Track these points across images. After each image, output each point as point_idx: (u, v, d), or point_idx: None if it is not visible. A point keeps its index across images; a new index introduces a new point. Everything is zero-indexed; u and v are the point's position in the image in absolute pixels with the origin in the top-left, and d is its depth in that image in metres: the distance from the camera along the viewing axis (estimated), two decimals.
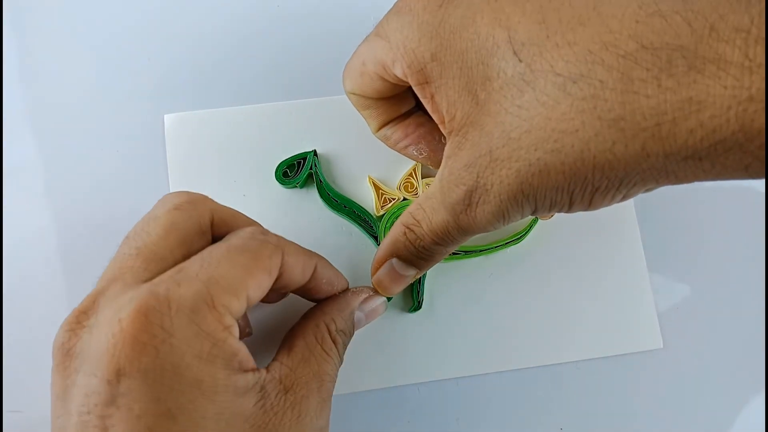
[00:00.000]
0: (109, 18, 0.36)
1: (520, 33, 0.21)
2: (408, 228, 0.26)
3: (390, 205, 0.33)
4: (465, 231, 0.25)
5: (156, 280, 0.21)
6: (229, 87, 0.35)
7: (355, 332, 0.32)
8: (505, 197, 0.22)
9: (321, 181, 0.33)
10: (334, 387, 0.26)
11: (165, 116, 0.34)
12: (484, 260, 0.34)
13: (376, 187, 0.34)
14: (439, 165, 0.31)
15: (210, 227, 0.25)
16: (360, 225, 0.33)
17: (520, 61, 0.21)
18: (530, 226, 0.34)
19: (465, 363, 0.33)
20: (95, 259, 0.33)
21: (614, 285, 0.34)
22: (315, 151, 0.34)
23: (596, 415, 0.33)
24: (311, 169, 0.33)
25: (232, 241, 0.23)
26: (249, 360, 0.22)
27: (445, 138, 0.31)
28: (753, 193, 0.36)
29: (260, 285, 0.23)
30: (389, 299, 0.32)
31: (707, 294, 0.34)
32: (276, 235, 0.25)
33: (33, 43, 0.36)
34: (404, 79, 0.25)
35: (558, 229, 0.34)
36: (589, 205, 0.22)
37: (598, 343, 0.33)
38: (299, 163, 0.33)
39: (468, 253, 0.33)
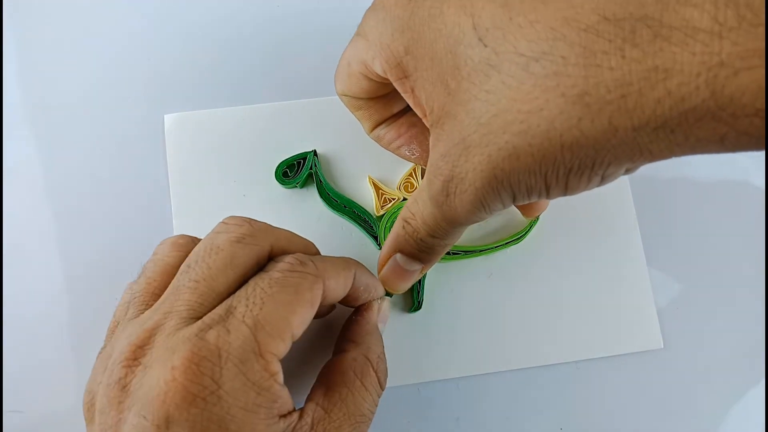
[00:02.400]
0: (109, 18, 0.36)
1: (483, 18, 0.21)
2: (406, 221, 0.26)
3: (390, 205, 0.33)
4: (451, 222, 0.24)
5: (207, 321, 0.22)
6: (229, 87, 0.35)
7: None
8: (479, 185, 0.22)
9: (321, 181, 0.33)
10: (369, 426, 0.26)
11: (165, 116, 0.34)
12: (484, 260, 0.34)
13: (376, 187, 0.34)
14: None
15: (267, 258, 0.25)
16: (360, 225, 0.33)
17: (486, 46, 0.21)
18: (530, 226, 0.34)
19: (465, 363, 0.33)
20: (95, 259, 0.33)
21: (614, 285, 0.34)
22: (315, 151, 0.34)
23: (596, 415, 0.33)
24: (311, 169, 0.33)
25: (273, 274, 0.23)
26: (288, 403, 0.23)
27: None
28: (753, 192, 0.36)
29: (304, 320, 0.23)
30: (390, 295, 0.32)
31: (708, 294, 0.34)
32: (314, 258, 0.25)
33: (33, 43, 0.36)
34: (384, 75, 0.25)
35: (558, 229, 0.34)
36: (566, 188, 0.21)
37: (598, 343, 0.33)
38: (299, 163, 0.33)
39: (468, 253, 0.33)
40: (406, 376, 0.33)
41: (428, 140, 0.30)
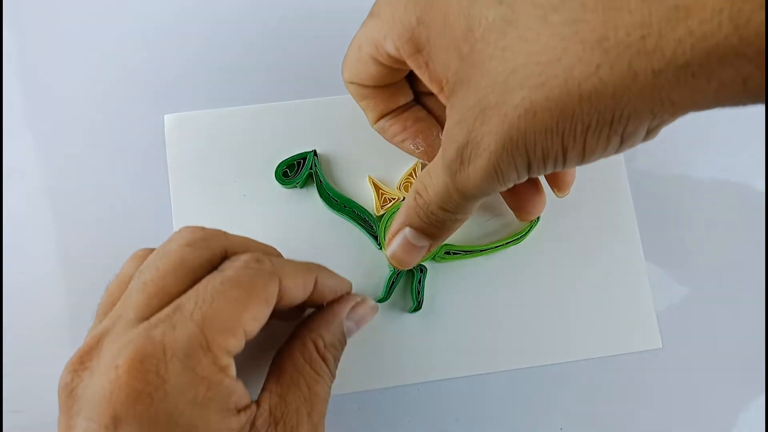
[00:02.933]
0: (109, 18, 0.36)
1: None
2: (417, 194, 0.26)
3: (390, 204, 0.33)
4: (463, 193, 0.24)
5: (153, 321, 0.22)
6: (229, 87, 0.35)
7: (354, 335, 0.32)
8: (494, 148, 0.21)
9: (321, 181, 0.33)
10: (326, 406, 0.26)
11: (165, 116, 0.34)
12: (484, 260, 0.34)
13: (376, 187, 0.34)
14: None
15: (221, 261, 0.24)
16: (360, 225, 0.33)
17: (501, 3, 0.20)
18: (531, 227, 0.34)
19: (465, 363, 0.33)
20: (95, 259, 0.33)
21: (613, 285, 0.34)
22: (315, 151, 0.34)
23: (596, 415, 0.33)
24: (311, 169, 0.33)
25: (226, 272, 0.23)
26: (244, 397, 0.23)
27: (441, 133, 0.30)
28: (753, 192, 0.36)
29: (257, 317, 0.23)
30: (383, 299, 0.32)
31: (706, 294, 0.34)
32: (272, 259, 0.24)
33: (33, 43, 0.36)
34: (397, 55, 0.25)
35: (557, 229, 0.34)
36: (584, 151, 0.20)
37: (597, 343, 0.33)
38: (299, 163, 0.33)
39: (468, 253, 0.33)
40: (407, 376, 0.33)
41: (434, 136, 0.30)
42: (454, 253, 0.33)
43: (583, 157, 0.21)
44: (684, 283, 0.34)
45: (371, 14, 0.26)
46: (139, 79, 0.35)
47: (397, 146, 0.31)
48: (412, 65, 0.25)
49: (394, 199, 0.33)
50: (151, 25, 0.36)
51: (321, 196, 0.33)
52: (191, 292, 0.22)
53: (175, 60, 0.35)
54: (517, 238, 0.33)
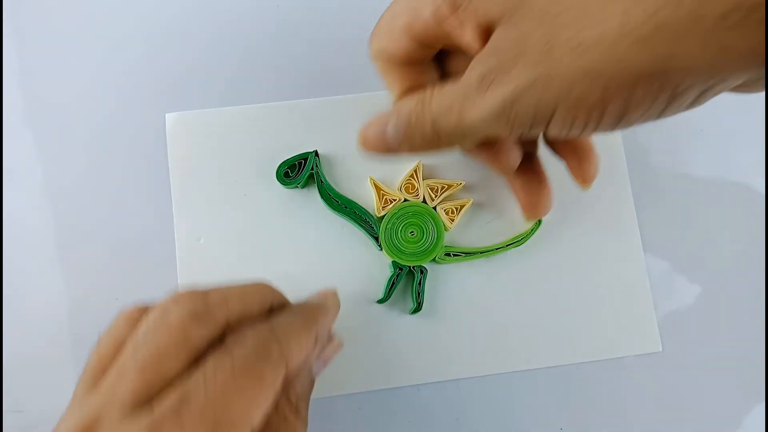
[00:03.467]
0: (110, 17, 0.36)
1: None
2: (420, 99, 0.25)
3: (391, 205, 0.33)
4: (462, 117, 0.23)
5: (157, 415, 0.19)
6: (230, 86, 0.35)
7: (356, 334, 0.32)
8: (523, 81, 0.20)
9: (322, 182, 0.33)
10: None
11: (166, 115, 0.34)
12: (484, 262, 0.34)
13: (377, 188, 0.33)
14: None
15: (222, 331, 0.22)
16: (361, 226, 0.33)
17: None
18: (532, 230, 0.33)
19: (465, 365, 0.33)
20: (95, 259, 0.33)
21: (614, 288, 0.34)
22: (316, 151, 0.34)
23: (596, 417, 0.33)
24: (312, 169, 0.33)
25: (235, 356, 0.21)
26: None
27: None
28: (753, 195, 0.35)
29: (264, 411, 0.21)
30: (384, 300, 0.32)
31: (706, 297, 0.34)
32: (279, 333, 0.23)
33: (33, 42, 0.35)
34: (435, 18, 0.24)
35: (558, 232, 0.34)
36: (626, 106, 0.19)
37: (597, 346, 0.33)
38: (300, 163, 0.33)
39: (469, 254, 0.33)
40: (407, 377, 0.33)
41: None
42: (454, 255, 0.33)
43: (622, 116, 0.20)
44: (685, 287, 0.34)
45: None
46: (140, 78, 0.35)
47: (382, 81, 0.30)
48: (451, 29, 0.24)
49: (395, 200, 0.33)
50: (152, 25, 0.36)
51: (322, 196, 0.33)
52: (198, 379, 0.20)
53: (177, 59, 0.35)
54: (519, 241, 0.33)
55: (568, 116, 0.20)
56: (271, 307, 0.25)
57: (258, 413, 0.21)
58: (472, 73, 0.22)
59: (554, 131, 0.22)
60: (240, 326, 0.23)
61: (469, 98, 0.22)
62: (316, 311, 0.26)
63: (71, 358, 0.32)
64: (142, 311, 0.23)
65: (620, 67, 0.18)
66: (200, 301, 0.22)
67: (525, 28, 0.20)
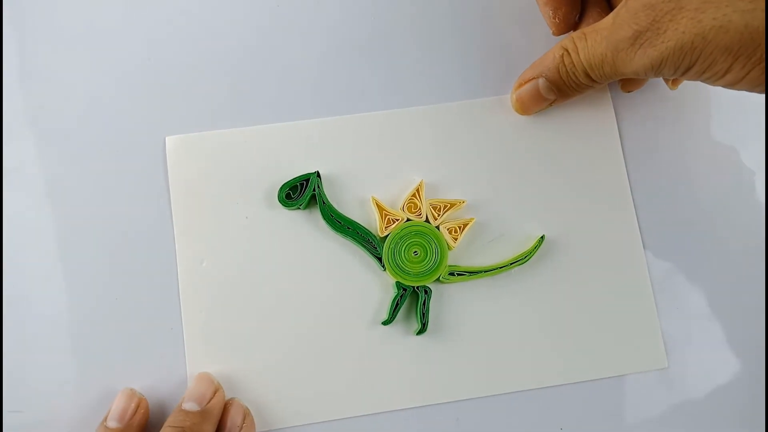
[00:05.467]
0: (111, 39, 0.36)
1: None
2: (566, 51, 0.28)
3: (393, 225, 0.33)
4: (616, 69, 0.26)
5: None
6: (231, 108, 0.35)
7: (361, 356, 0.32)
8: (672, 45, 0.23)
9: (324, 203, 0.33)
10: None
11: (166, 138, 0.34)
12: (489, 281, 0.33)
13: (380, 208, 0.33)
14: (562, 32, 0.32)
15: None
16: (364, 246, 0.33)
17: None
18: (535, 248, 0.33)
19: (471, 385, 0.33)
20: (96, 272, 0.33)
21: (618, 305, 0.34)
22: (318, 172, 0.33)
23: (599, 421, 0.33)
24: (314, 190, 0.33)
25: None
26: None
27: (580, 15, 0.32)
28: (759, 211, 0.35)
29: None
30: (388, 321, 0.32)
31: (712, 313, 0.34)
32: None
33: (35, 66, 0.35)
34: None
35: (562, 250, 0.34)
36: (744, 78, 0.23)
37: (603, 364, 0.33)
38: (302, 184, 0.33)
39: (473, 274, 0.33)
40: (412, 399, 0.32)
41: (575, 11, 0.31)
42: (458, 274, 0.33)
43: (737, 84, 0.24)
44: (690, 303, 0.34)
45: None
46: (140, 101, 0.35)
47: (538, 4, 0.32)
48: None
49: (397, 219, 0.33)
50: (153, 47, 0.36)
51: (324, 217, 0.33)
52: None
53: (178, 82, 0.35)
54: (522, 259, 0.33)
55: (697, 75, 0.24)
56: None
57: None
58: (625, 28, 0.25)
59: (684, 78, 0.26)
60: None
61: (622, 52, 0.25)
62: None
63: (71, 358, 0.32)
64: None
65: (753, 50, 0.22)
66: None
67: None
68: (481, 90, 0.35)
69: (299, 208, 0.33)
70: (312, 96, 0.35)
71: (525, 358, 0.33)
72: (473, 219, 0.34)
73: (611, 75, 0.27)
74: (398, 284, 0.33)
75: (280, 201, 0.33)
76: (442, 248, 0.33)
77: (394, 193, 0.34)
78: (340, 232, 0.33)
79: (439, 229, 0.33)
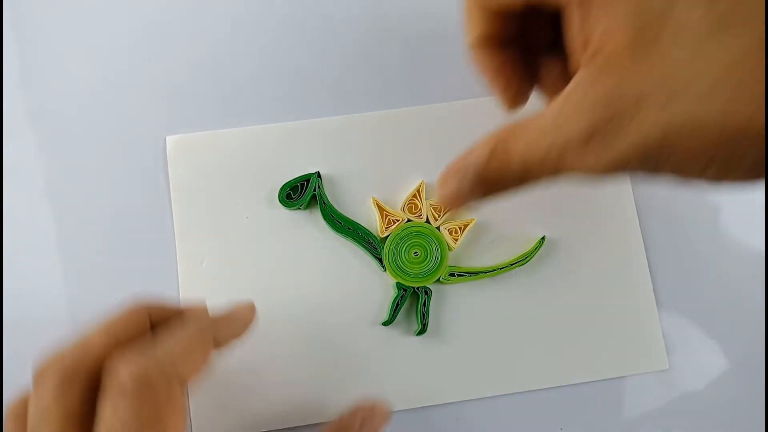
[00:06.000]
0: (110, 38, 0.36)
1: None
2: (498, 147, 0.23)
3: (394, 226, 0.33)
4: (561, 170, 0.22)
5: None
6: (231, 108, 0.35)
7: (361, 357, 0.32)
8: (638, 146, 0.19)
9: (324, 203, 0.33)
10: None
11: (167, 138, 0.34)
12: (489, 282, 0.33)
13: (380, 208, 0.33)
14: (515, 106, 0.29)
15: (101, 367, 0.22)
16: (364, 247, 0.33)
17: (712, 7, 0.19)
18: (536, 248, 0.33)
19: (471, 386, 0.33)
20: (96, 273, 0.33)
21: (620, 306, 0.34)
22: (318, 172, 0.33)
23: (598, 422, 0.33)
24: (315, 190, 0.33)
25: (119, 412, 0.21)
26: None
27: (532, 87, 0.29)
28: (758, 209, 0.35)
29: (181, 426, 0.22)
30: (388, 322, 0.32)
31: (713, 315, 0.34)
32: (161, 352, 0.22)
33: (35, 65, 0.35)
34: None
35: (563, 251, 0.34)
36: (718, 176, 0.20)
37: (604, 365, 0.33)
38: (303, 184, 0.33)
39: (473, 274, 0.33)
40: (412, 400, 0.32)
41: (526, 82, 0.28)
42: (459, 275, 0.33)
43: (709, 183, 0.20)
44: (691, 305, 0.34)
45: None
46: (141, 101, 0.35)
47: (485, 80, 0.28)
48: (566, 9, 0.22)
49: (398, 220, 0.33)
50: (153, 47, 0.36)
51: (324, 218, 0.33)
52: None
53: (178, 81, 0.35)
54: (523, 260, 0.33)
55: (668, 173, 0.20)
56: (152, 323, 0.24)
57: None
58: (580, 120, 0.20)
59: (650, 175, 0.21)
60: (117, 356, 0.22)
61: (570, 151, 0.21)
62: (212, 318, 0.25)
63: None
64: (24, 403, 0.23)
65: (732, 151, 0.19)
66: (57, 364, 0.22)
67: (648, 85, 0.19)
68: (482, 89, 0.35)
69: (300, 209, 0.33)
70: (312, 96, 0.35)
71: (525, 359, 0.33)
72: (474, 220, 0.33)
73: (553, 175, 0.22)
74: (398, 285, 0.33)
75: (280, 201, 0.33)
76: (442, 249, 0.33)
77: (395, 194, 0.34)
78: (341, 233, 0.33)
79: (439, 229, 0.33)
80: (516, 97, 0.29)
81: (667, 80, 0.19)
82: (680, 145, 0.19)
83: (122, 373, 0.21)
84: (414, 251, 0.33)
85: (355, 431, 0.26)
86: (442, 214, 0.32)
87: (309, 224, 0.34)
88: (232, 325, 0.26)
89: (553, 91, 0.29)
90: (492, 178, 0.24)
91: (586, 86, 0.21)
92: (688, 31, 0.19)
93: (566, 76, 0.26)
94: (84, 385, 0.21)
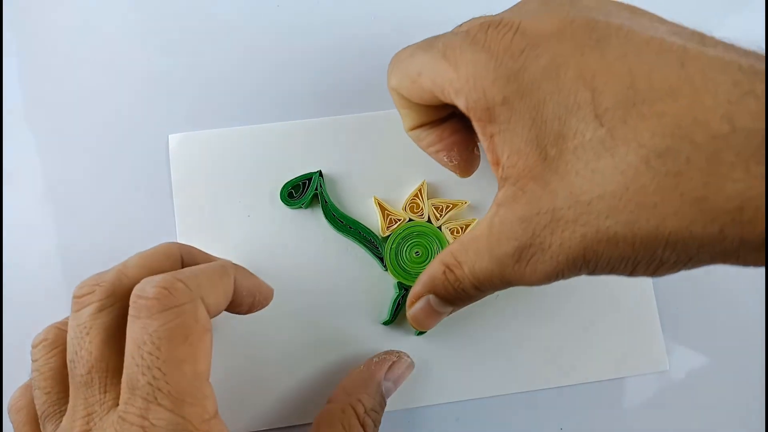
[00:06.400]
0: (113, 36, 0.36)
1: (605, 96, 0.20)
2: (448, 268, 0.25)
3: (395, 225, 0.33)
4: (509, 283, 0.24)
5: (126, 415, 0.21)
6: (234, 107, 0.35)
7: (361, 356, 0.32)
8: (563, 259, 0.21)
9: (326, 202, 0.33)
10: None
11: (169, 136, 0.34)
12: None
13: (382, 208, 0.33)
14: (467, 174, 0.31)
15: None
16: (365, 246, 0.33)
17: (602, 125, 0.20)
18: None
19: (471, 386, 0.33)
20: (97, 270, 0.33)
21: (620, 306, 0.34)
22: (320, 171, 0.34)
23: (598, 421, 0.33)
24: (316, 189, 0.33)
25: (150, 327, 0.22)
26: None
27: (477, 149, 0.30)
28: None
29: (209, 354, 0.23)
30: (389, 321, 0.32)
31: (713, 315, 0.34)
32: (186, 276, 0.23)
33: (36, 64, 0.35)
34: (463, 110, 0.24)
35: None
36: (653, 274, 0.21)
37: (603, 365, 0.33)
38: (304, 183, 0.33)
39: None
40: (412, 399, 0.32)
41: (469, 150, 0.30)
42: None
43: (651, 276, 0.22)
44: (691, 305, 0.34)
45: (445, 56, 0.24)
46: (143, 99, 0.35)
47: (430, 155, 0.30)
48: (476, 128, 0.24)
49: (399, 219, 0.33)
50: (155, 46, 0.36)
51: (326, 216, 0.33)
52: (131, 364, 0.22)
53: (180, 80, 0.35)
54: None
55: (605, 273, 0.22)
56: (183, 263, 0.26)
57: (203, 363, 0.22)
58: (506, 245, 0.22)
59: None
60: (147, 279, 0.23)
61: (508, 267, 0.23)
62: (235, 266, 0.27)
63: None
64: (52, 331, 0.25)
65: (651, 257, 0.20)
66: (96, 288, 0.24)
67: (557, 203, 0.21)
68: None
69: (301, 207, 0.33)
70: (314, 95, 0.35)
71: (525, 359, 0.33)
72: (475, 220, 0.34)
73: (504, 287, 0.24)
74: (399, 284, 0.33)
75: (282, 200, 0.33)
76: (443, 249, 0.33)
77: (397, 193, 0.34)
78: (342, 232, 0.33)
79: (441, 229, 0.33)
80: (464, 165, 0.30)
81: (575, 195, 0.20)
82: (603, 255, 0.20)
83: (148, 290, 0.22)
84: (415, 251, 0.33)
85: (382, 372, 0.29)
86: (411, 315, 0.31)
87: (311, 223, 0.34)
88: (252, 280, 0.27)
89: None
90: (451, 294, 0.26)
91: (506, 206, 0.22)
92: (584, 148, 0.20)
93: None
94: (120, 306, 0.23)
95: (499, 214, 0.23)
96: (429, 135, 0.29)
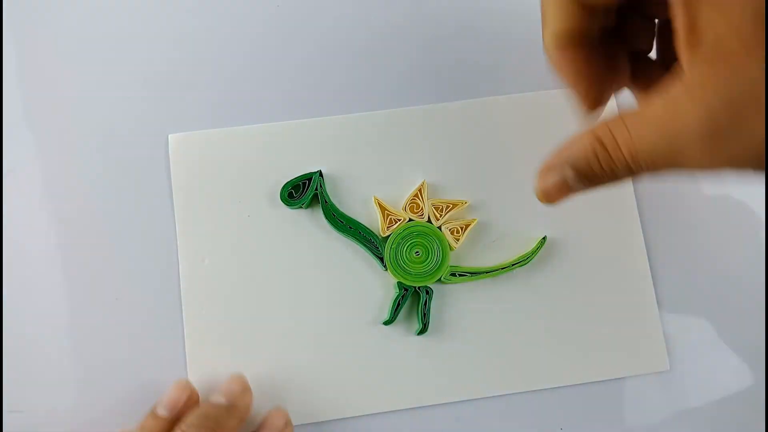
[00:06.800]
0: (114, 37, 0.36)
1: None
2: (600, 143, 0.22)
3: (395, 225, 0.33)
4: (675, 165, 0.21)
5: None
6: (233, 106, 0.35)
7: (361, 356, 0.32)
8: (755, 146, 0.19)
9: (326, 202, 0.33)
10: None
11: (169, 136, 0.34)
12: (490, 282, 0.33)
13: (382, 208, 0.33)
14: (592, 111, 0.27)
15: None
16: (366, 246, 0.33)
17: None
18: (537, 249, 0.33)
19: (471, 386, 0.33)
20: (98, 281, 0.33)
21: (620, 306, 0.34)
22: (320, 171, 0.33)
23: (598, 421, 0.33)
24: (316, 189, 0.33)
25: None
26: None
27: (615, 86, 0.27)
28: (758, 209, 0.35)
29: None
30: (389, 321, 0.32)
31: (713, 316, 0.34)
32: None
33: (36, 63, 0.35)
34: None
35: (564, 251, 0.34)
36: None
37: (604, 366, 0.33)
38: (304, 183, 0.33)
39: (474, 274, 0.33)
40: (413, 399, 0.32)
41: (613, 89, 0.27)
42: (460, 275, 0.33)
43: None
44: (692, 304, 0.34)
45: None
46: (143, 99, 0.35)
47: (564, 81, 0.27)
48: (676, 7, 0.21)
49: (399, 219, 0.33)
50: (156, 45, 0.36)
51: (326, 217, 0.33)
52: None
53: (180, 80, 0.35)
54: (524, 260, 0.33)
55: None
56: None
57: None
58: (693, 117, 0.20)
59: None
60: None
61: (687, 146, 0.20)
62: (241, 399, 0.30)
63: (71, 358, 0.32)
64: None
65: None
66: None
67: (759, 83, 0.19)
68: (483, 89, 0.35)
69: (301, 207, 0.33)
70: (314, 95, 0.35)
71: (526, 360, 0.33)
72: (475, 220, 0.34)
73: (665, 170, 0.21)
74: (400, 284, 0.33)
75: (282, 200, 0.33)
76: (443, 249, 0.33)
77: (397, 193, 0.34)
78: (342, 232, 0.33)
79: (441, 229, 0.33)
80: (598, 99, 0.27)
81: None
82: None
83: None
84: (415, 251, 0.33)
85: None
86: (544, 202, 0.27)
87: (311, 223, 0.34)
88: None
89: (644, 88, 0.28)
90: (597, 170, 0.23)
91: (702, 78, 0.20)
92: None
93: (656, 72, 0.26)
94: None
95: (691, 85, 0.20)
96: (572, 60, 0.26)
